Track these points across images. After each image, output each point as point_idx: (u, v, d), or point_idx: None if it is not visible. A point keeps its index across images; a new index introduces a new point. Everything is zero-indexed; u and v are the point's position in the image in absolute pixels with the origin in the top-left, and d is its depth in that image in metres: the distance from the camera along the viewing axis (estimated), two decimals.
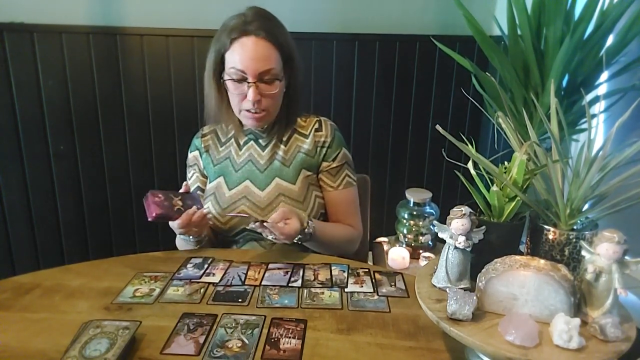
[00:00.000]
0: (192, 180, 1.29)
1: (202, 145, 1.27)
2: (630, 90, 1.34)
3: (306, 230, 1.10)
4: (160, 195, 1.06)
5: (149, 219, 1.03)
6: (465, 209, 0.69)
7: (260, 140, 1.23)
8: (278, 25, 1.14)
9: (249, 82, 1.08)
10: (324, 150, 1.23)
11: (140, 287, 0.93)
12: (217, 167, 1.24)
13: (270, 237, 1.05)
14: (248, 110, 1.12)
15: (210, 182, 1.25)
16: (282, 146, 1.22)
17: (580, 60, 1.34)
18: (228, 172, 1.22)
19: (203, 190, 1.27)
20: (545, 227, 0.71)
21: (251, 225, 1.04)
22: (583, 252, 0.64)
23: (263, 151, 1.22)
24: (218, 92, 1.17)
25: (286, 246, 1.18)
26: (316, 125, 1.24)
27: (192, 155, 1.30)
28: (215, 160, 1.25)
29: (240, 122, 1.22)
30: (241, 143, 1.24)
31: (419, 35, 2.16)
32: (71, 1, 1.91)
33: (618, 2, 1.28)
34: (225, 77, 1.11)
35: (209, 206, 1.21)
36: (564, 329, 0.59)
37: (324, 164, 1.24)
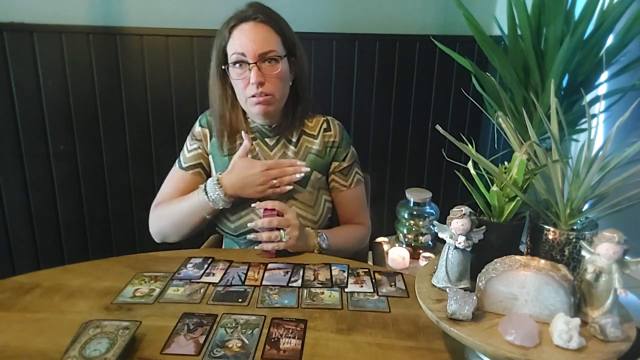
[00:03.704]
0: (194, 153, 1.21)
1: (215, 128, 1.21)
2: (630, 90, 1.34)
3: (321, 244, 1.12)
4: None
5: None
6: (465, 209, 0.69)
7: (267, 140, 1.21)
8: (279, 16, 1.14)
9: (250, 64, 1.07)
10: (334, 150, 1.23)
11: (140, 287, 0.93)
12: (226, 158, 1.19)
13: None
14: (253, 96, 1.10)
15: (217, 173, 1.19)
16: (291, 147, 1.21)
17: (580, 60, 1.34)
18: None
19: (202, 168, 1.22)
20: (545, 227, 0.71)
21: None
22: (583, 252, 0.64)
23: (271, 151, 1.20)
24: (222, 89, 1.16)
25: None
26: (324, 125, 1.24)
27: (201, 130, 1.22)
28: (225, 151, 1.19)
29: (246, 120, 1.21)
30: None
31: (419, 35, 2.16)
32: (71, 1, 1.92)
33: (618, 2, 1.28)
34: (229, 68, 1.11)
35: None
36: (564, 329, 0.59)
37: (334, 164, 1.24)
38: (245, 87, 1.10)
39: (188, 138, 1.25)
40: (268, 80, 1.09)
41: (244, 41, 1.07)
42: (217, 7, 1.97)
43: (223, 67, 1.13)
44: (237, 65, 1.09)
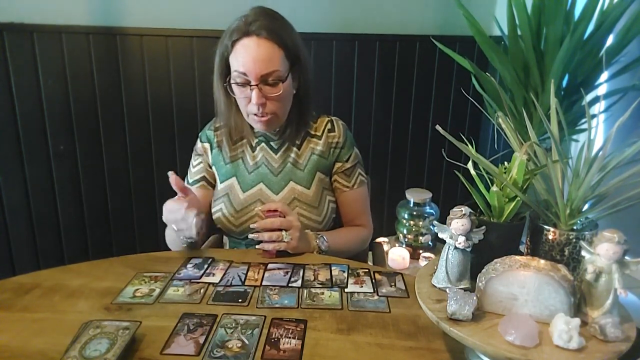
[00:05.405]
0: (198, 168, 1.26)
1: (215, 140, 1.24)
2: (630, 90, 1.34)
3: (320, 246, 1.12)
4: None
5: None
6: (465, 209, 0.69)
7: (272, 143, 1.22)
8: (283, 24, 1.11)
9: (251, 85, 1.06)
10: (337, 151, 1.23)
11: (140, 287, 0.93)
12: (228, 165, 1.22)
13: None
14: (255, 114, 1.11)
15: (221, 182, 1.23)
16: (295, 149, 1.21)
17: (580, 60, 1.34)
18: (241, 173, 1.21)
19: (207, 181, 1.25)
20: (545, 227, 0.71)
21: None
22: (583, 252, 0.64)
23: (276, 154, 1.21)
24: (226, 96, 1.16)
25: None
26: (329, 126, 1.24)
27: (202, 145, 1.26)
28: (227, 159, 1.23)
29: (251, 125, 1.22)
30: (253, 144, 1.23)
31: (419, 35, 2.16)
32: (71, 1, 1.92)
33: (618, 2, 1.28)
34: (231, 81, 1.10)
35: (221, 207, 1.20)
36: (564, 329, 0.59)
37: (338, 164, 1.24)
38: (247, 104, 1.11)
39: (192, 155, 1.29)
40: (270, 100, 1.09)
41: (246, 60, 1.05)
42: (217, 7, 1.98)
43: (225, 84, 1.12)
44: (239, 83, 1.08)
